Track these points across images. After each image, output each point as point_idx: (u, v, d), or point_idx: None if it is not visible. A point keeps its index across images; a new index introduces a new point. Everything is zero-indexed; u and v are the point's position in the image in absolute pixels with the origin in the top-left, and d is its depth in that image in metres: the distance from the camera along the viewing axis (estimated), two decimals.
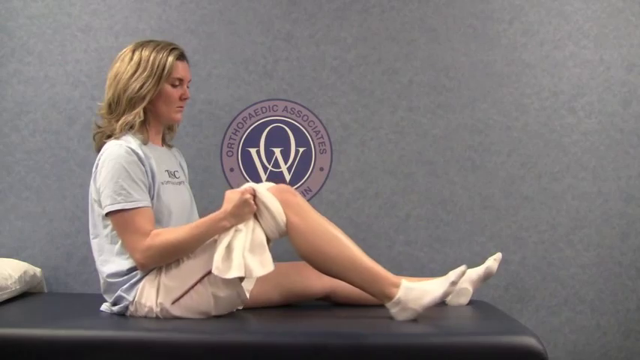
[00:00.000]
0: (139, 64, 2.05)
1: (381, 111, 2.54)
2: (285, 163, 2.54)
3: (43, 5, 2.52)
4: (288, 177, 2.54)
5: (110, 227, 2.01)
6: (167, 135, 2.24)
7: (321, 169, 2.55)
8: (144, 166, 2.00)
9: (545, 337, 2.44)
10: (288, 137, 2.55)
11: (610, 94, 2.54)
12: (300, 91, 2.54)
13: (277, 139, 2.54)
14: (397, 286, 1.94)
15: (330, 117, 2.54)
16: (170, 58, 2.07)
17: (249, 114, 2.54)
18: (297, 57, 2.54)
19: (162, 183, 2.06)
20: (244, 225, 1.96)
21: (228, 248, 1.92)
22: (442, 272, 2.30)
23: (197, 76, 2.47)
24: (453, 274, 1.94)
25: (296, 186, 2.53)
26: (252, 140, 2.54)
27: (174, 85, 2.09)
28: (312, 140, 2.54)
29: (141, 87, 2.03)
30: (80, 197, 2.50)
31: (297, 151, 2.55)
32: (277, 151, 2.55)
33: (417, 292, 1.93)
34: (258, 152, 2.54)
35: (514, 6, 2.54)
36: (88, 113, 2.51)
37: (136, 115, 2.04)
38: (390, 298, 1.94)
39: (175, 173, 2.16)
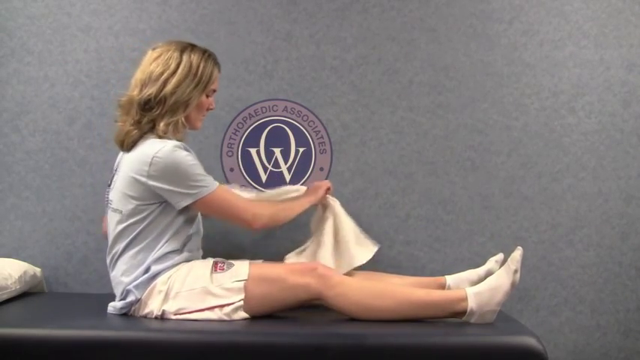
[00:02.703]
0: (190, 70, 2.03)
1: (381, 111, 2.54)
2: (285, 163, 2.54)
3: (43, 5, 2.52)
4: (288, 177, 2.53)
5: (152, 215, 1.99)
6: None
7: (321, 169, 2.54)
8: None
9: (545, 337, 2.44)
10: (288, 137, 2.54)
11: (610, 94, 2.54)
12: (300, 91, 2.54)
13: (277, 139, 2.54)
14: (464, 299, 1.94)
15: (330, 117, 2.54)
16: (215, 70, 2.09)
17: (249, 114, 2.54)
18: (297, 57, 2.54)
19: None
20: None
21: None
22: (442, 272, 2.31)
23: None
24: (513, 263, 1.95)
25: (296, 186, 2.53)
26: (252, 140, 2.54)
27: (207, 96, 2.11)
28: (312, 140, 2.54)
29: (190, 94, 2.04)
30: (80, 197, 2.50)
31: (297, 151, 2.54)
32: (277, 151, 2.54)
33: (486, 294, 1.94)
34: (258, 152, 2.54)
35: (514, 6, 2.54)
36: (88, 113, 2.51)
37: (180, 119, 2.04)
38: (463, 313, 1.94)
39: None
